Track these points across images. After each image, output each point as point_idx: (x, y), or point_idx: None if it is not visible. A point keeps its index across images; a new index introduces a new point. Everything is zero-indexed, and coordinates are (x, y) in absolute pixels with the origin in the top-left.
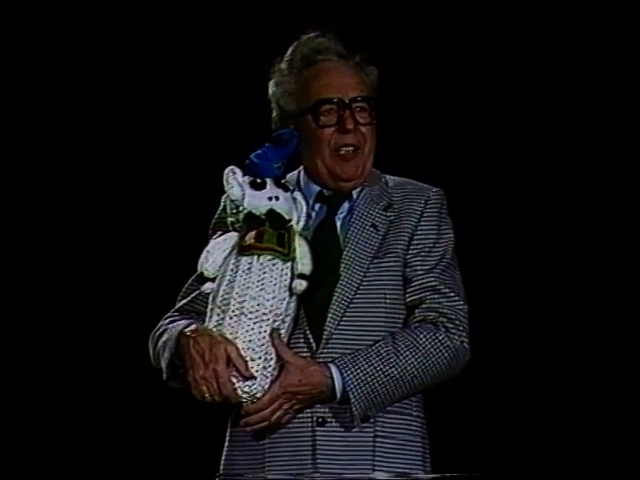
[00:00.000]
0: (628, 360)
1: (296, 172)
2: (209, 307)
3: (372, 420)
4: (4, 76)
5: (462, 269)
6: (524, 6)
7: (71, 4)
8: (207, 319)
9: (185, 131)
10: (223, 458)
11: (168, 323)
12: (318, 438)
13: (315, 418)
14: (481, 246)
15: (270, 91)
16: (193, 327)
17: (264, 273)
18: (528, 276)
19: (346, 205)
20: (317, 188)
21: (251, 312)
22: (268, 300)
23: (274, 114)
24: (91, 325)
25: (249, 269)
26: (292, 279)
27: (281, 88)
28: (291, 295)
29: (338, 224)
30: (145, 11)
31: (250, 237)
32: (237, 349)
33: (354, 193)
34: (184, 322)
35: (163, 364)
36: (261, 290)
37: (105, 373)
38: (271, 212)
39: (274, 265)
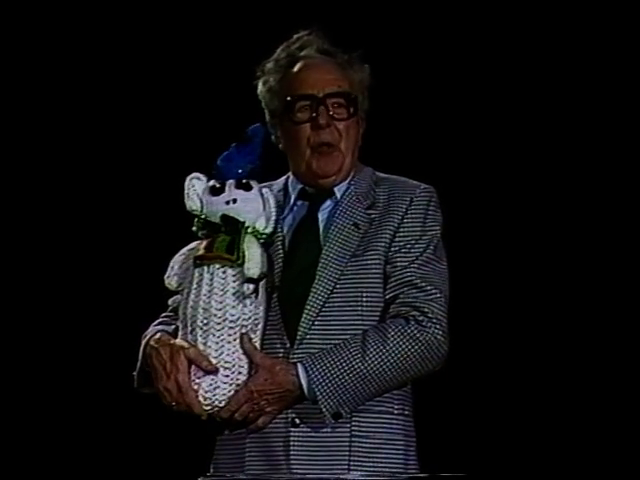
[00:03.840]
0: (618, 358)
1: (286, 175)
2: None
3: (348, 419)
4: (3, 76)
5: (455, 265)
6: (515, 4)
7: (63, 5)
8: (178, 332)
9: (183, 130)
10: (213, 459)
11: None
12: (292, 439)
13: (290, 419)
14: (476, 242)
15: (258, 90)
16: (158, 336)
17: (213, 283)
18: (517, 274)
19: (329, 203)
20: (300, 185)
21: (204, 324)
22: (219, 309)
23: (265, 113)
24: (87, 325)
25: (200, 280)
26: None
27: (267, 86)
28: (243, 299)
29: (321, 222)
30: (137, 13)
31: (202, 247)
32: (197, 350)
33: (338, 191)
34: (156, 330)
35: (135, 372)
36: (210, 300)
37: (97, 373)
38: (225, 217)
39: (224, 273)
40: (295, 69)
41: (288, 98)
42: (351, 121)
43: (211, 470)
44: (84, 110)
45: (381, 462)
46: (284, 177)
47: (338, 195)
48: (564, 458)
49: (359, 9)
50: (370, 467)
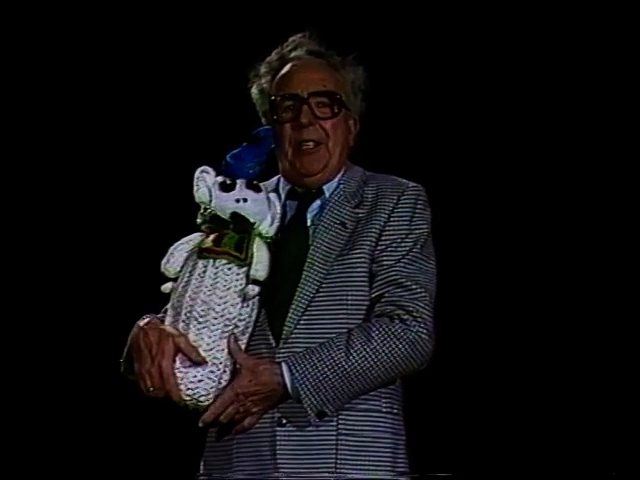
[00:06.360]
0: (611, 354)
1: (277, 176)
2: (168, 306)
3: (335, 418)
4: (4, 76)
5: (445, 264)
6: (506, 4)
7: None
8: (166, 318)
9: (183, 129)
10: (203, 457)
11: None
12: (278, 438)
13: (276, 418)
14: (466, 241)
15: (252, 93)
16: (147, 319)
17: (217, 277)
18: (506, 272)
19: (318, 202)
20: (289, 185)
21: (201, 316)
22: (219, 305)
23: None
24: (82, 318)
25: (204, 272)
26: (247, 284)
27: (259, 88)
28: (244, 300)
29: (309, 222)
30: (138, 15)
31: (209, 240)
32: (187, 340)
33: (326, 190)
34: (146, 315)
35: (122, 358)
36: (212, 294)
37: (94, 370)
38: (235, 215)
39: (229, 270)
40: (283, 70)
41: (272, 97)
42: (338, 120)
43: (201, 468)
44: (87, 105)
45: (368, 460)
46: (275, 178)
47: (327, 194)
48: (557, 455)
49: (353, 11)
50: (356, 465)
